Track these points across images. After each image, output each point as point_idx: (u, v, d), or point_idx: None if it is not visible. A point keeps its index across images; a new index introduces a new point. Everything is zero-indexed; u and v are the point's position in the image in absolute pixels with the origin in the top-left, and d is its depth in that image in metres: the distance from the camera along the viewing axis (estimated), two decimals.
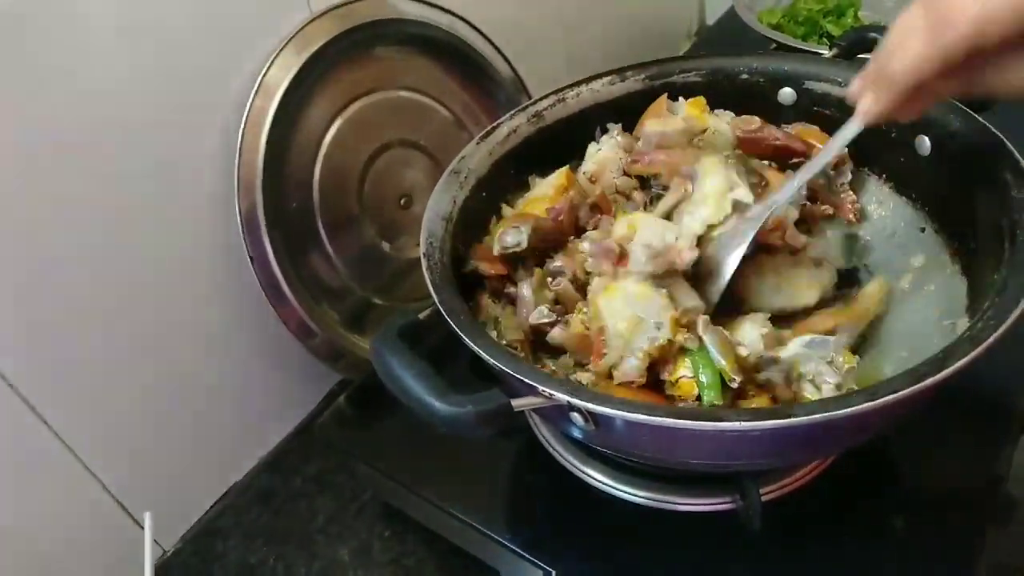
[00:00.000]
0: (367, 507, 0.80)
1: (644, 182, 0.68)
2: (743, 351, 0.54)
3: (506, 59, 0.91)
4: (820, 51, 0.79)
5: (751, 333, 0.56)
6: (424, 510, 0.69)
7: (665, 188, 0.63)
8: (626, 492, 0.63)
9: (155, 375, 0.71)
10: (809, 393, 0.53)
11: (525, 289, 0.60)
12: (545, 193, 0.70)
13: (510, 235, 0.61)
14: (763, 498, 0.58)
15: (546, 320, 0.58)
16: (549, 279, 0.61)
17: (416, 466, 0.69)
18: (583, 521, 0.63)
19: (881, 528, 0.61)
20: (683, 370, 0.55)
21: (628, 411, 0.43)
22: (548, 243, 0.63)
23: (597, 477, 0.64)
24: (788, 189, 0.59)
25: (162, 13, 0.63)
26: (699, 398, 0.54)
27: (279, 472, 0.85)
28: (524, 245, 0.61)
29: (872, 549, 0.59)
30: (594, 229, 0.64)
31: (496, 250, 0.62)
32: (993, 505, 0.63)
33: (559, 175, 0.71)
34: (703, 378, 0.52)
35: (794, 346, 0.55)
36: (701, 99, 0.70)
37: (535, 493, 0.66)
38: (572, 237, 0.65)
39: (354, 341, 0.81)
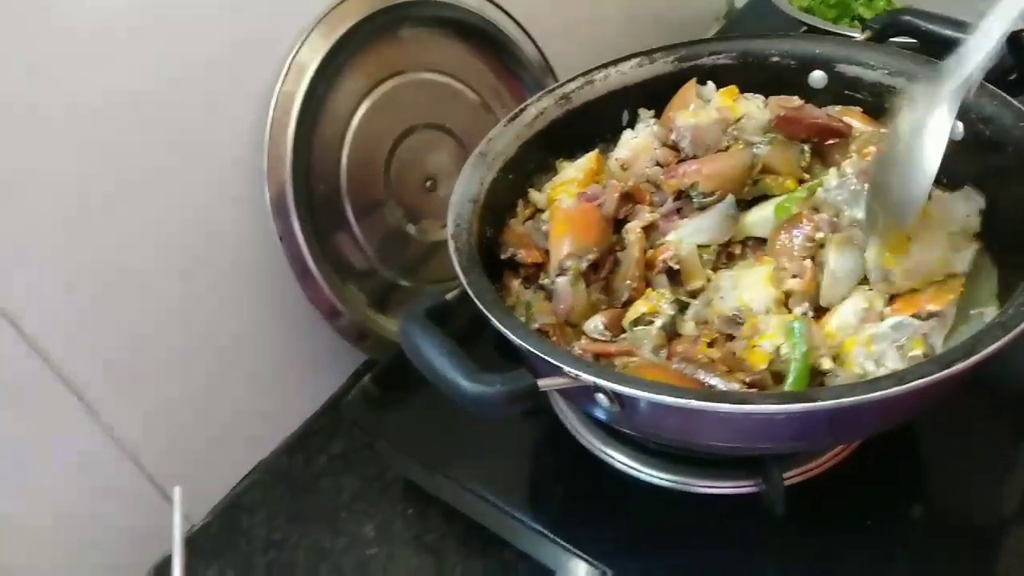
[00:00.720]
0: (391, 486, 0.80)
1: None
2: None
3: (534, 41, 0.91)
4: (852, 34, 0.78)
5: (848, 310, 0.55)
6: (447, 489, 0.70)
7: (706, 196, 0.63)
8: (648, 474, 0.63)
9: (187, 351, 0.73)
10: (871, 371, 0.52)
11: (562, 283, 0.60)
12: (574, 177, 0.70)
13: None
14: (786, 482, 0.58)
15: (601, 338, 0.58)
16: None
17: (440, 446, 0.70)
18: (604, 502, 0.63)
19: (902, 516, 0.60)
20: (766, 341, 0.54)
21: (655, 392, 0.43)
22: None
23: (619, 458, 0.64)
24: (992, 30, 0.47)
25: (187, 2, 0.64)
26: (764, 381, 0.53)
27: (305, 450, 0.85)
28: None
29: (892, 537, 0.59)
30: (627, 219, 0.64)
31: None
32: (1017, 497, 0.63)
33: (588, 159, 0.71)
34: (795, 360, 0.51)
35: (884, 325, 0.54)
36: (734, 88, 0.69)
37: (557, 474, 0.67)
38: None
39: (379, 321, 0.81)
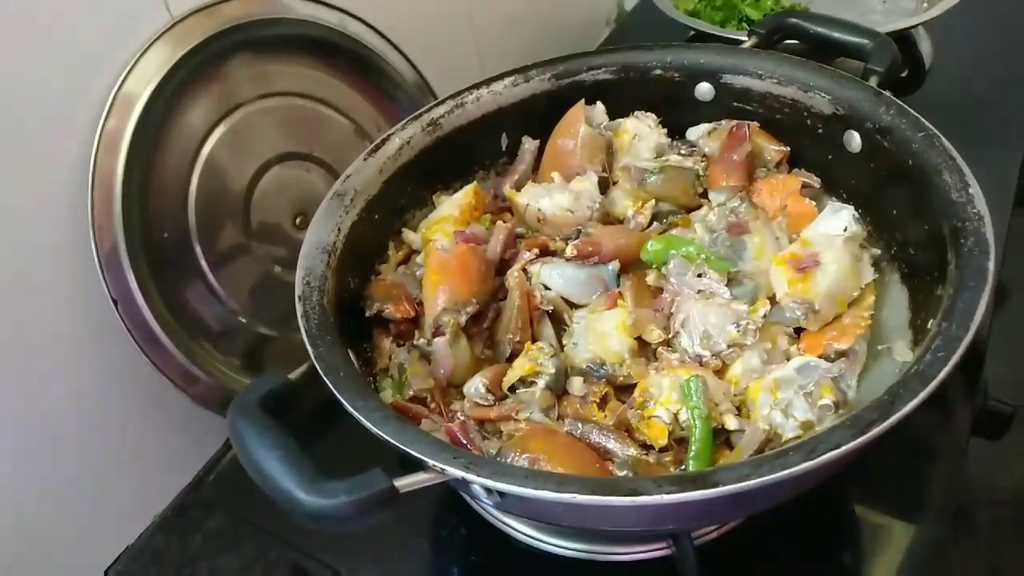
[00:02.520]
0: (274, 567, 0.72)
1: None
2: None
3: (407, 58, 0.83)
4: (740, 38, 0.73)
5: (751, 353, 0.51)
6: None
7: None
8: (553, 544, 0.56)
9: (26, 439, 0.63)
10: (779, 423, 0.48)
11: (439, 344, 0.53)
12: (450, 214, 0.63)
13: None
14: (697, 542, 0.52)
15: (482, 402, 0.51)
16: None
17: None
18: None
19: (829, 560, 0.56)
20: (661, 409, 0.48)
21: (531, 487, 0.37)
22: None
23: (521, 529, 0.57)
24: None
25: None
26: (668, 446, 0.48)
27: (176, 532, 0.76)
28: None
29: None
30: (510, 261, 0.58)
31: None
32: (945, 516, 0.59)
33: (466, 193, 0.64)
34: (695, 427, 0.46)
35: (789, 367, 0.50)
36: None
37: (454, 551, 0.60)
38: None
39: (245, 383, 0.72)
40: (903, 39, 0.93)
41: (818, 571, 0.56)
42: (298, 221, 0.77)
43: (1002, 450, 0.68)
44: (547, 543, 0.56)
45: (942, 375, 0.38)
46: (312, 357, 0.45)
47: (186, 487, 0.78)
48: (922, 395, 0.37)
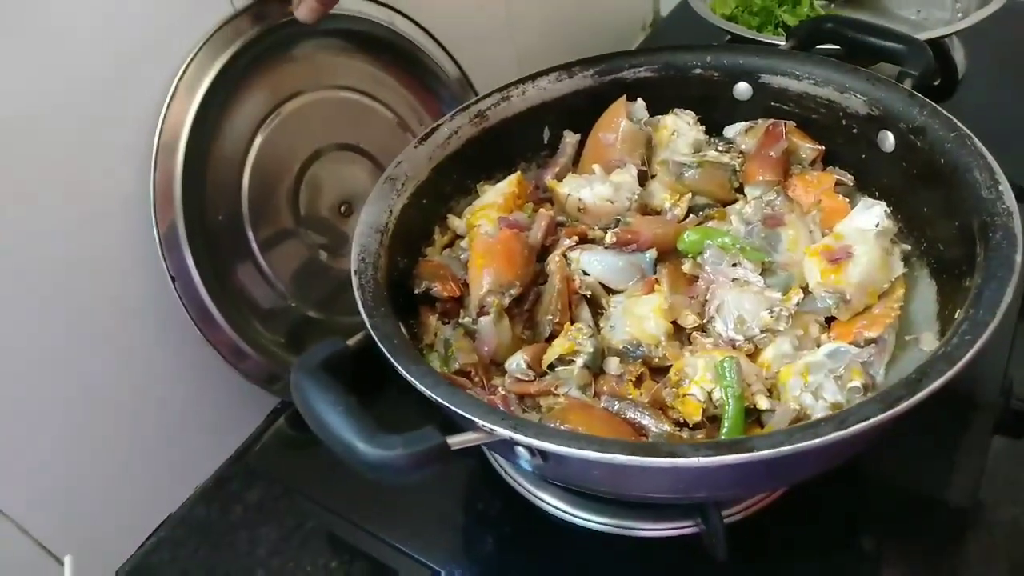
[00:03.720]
0: (311, 536, 0.74)
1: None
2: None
3: (450, 55, 0.86)
4: (776, 42, 0.76)
5: (784, 338, 0.53)
6: (370, 543, 0.64)
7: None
8: (584, 519, 0.59)
9: (77, 407, 0.65)
10: (809, 404, 0.50)
11: (484, 323, 0.56)
12: (494, 201, 0.66)
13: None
14: (727, 520, 0.54)
15: (524, 378, 0.54)
16: None
17: (361, 495, 0.65)
18: (540, 551, 0.59)
19: (849, 545, 0.57)
20: (696, 388, 0.50)
21: (576, 447, 0.39)
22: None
23: (553, 503, 0.60)
24: None
25: (63, 12, 0.57)
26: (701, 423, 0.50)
27: (217, 502, 0.79)
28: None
29: (842, 568, 0.56)
30: (551, 247, 0.61)
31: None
32: (966, 512, 0.61)
33: (509, 182, 0.67)
34: (728, 405, 0.48)
35: (819, 352, 0.52)
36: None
37: (488, 522, 0.62)
38: None
39: (291, 361, 0.74)
40: (937, 48, 0.94)
41: (840, 555, 0.57)
42: (343, 209, 0.80)
43: None
44: (578, 516, 0.58)
45: (968, 356, 0.40)
46: (368, 326, 0.48)
47: (228, 459, 0.81)
48: (948, 374, 0.39)
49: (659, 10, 1.33)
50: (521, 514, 0.61)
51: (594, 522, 0.58)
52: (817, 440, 0.37)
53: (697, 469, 0.38)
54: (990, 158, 0.52)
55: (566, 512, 0.59)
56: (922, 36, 0.86)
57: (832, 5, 1.04)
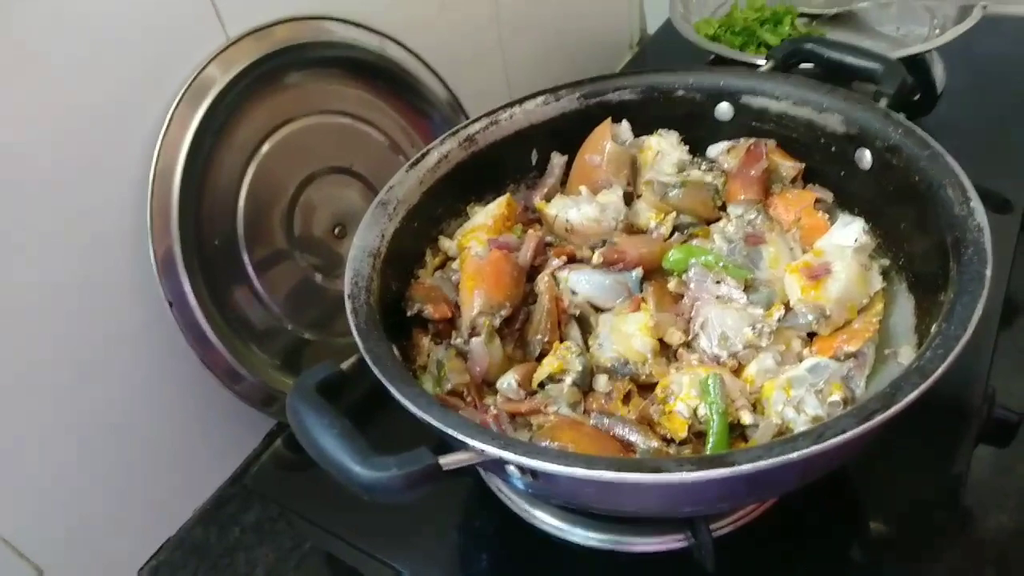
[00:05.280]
0: (308, 557, 0.76)
1: None
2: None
3: (441, 79, 0.88)
4: (758, 62, 0.77)
5: (767, 354, 0.54)
6: (367, 562, 0.65)
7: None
8: (577, 535, 0.59)
9: (74, 432, 0.66)
10: (791, 418, 0.51)
11: (476, 344, 0.57)
12: (484, 223, 0.67)
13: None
14: (715, 534, 0.55)
15: (514, 397, 0.55)
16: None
17: (357, 514, 0.65)
18: (534, 568, 0.60)
19: (837, 554, 0.58)
20: (681, 404, 0.51)
21: (563, 464, 0.40)
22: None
23: (547, 520, 0.61)
24: None
25: (55, 39, 0.59)
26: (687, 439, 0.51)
27: (215, 524, 0.80)
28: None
29: None
30: (540, 267, 0.62)
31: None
32: (952, 520, 0.62)
33: (499, 204, 0.68)
34: (713, 421, 0.50)
35: (801, 367, 0.53)
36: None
37: (484, 540, 0.63)
38: None
39: (287, 382, 0.76)
40: (917, 63, 0.96)
41: (828, 565, 0.58)
42: (336, 231, 0.82)
43: (1009, 457, 0.70)
44: (571, 533, 0.59)
45: (940, 370, 0.41)
46: (362, 350, 0.49)
47: (225, 481, 0.82)
48: (922, 388, 0.40)
49: (646, 28, 1.36)
50: (516, 532, 0.61)
51: (587, 538, 0.59)
52: (795, 454, 0.38)
53: (681, 484, 0.39)
54: (962, 175, 0.53)
55: (559, 529, 0.60)
56: (902, 52, 0.89)
57: (814, 23, 1.06)
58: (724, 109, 0.69)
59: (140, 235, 0.66)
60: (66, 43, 0.59)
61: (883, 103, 0.64)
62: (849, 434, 0.39)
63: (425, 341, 0.60)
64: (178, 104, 0.67)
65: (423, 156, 0.67)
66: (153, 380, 0.72)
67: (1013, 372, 0.74)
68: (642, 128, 0.71)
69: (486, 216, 0.67)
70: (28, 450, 0.63)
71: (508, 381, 0.55)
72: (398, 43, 0.83)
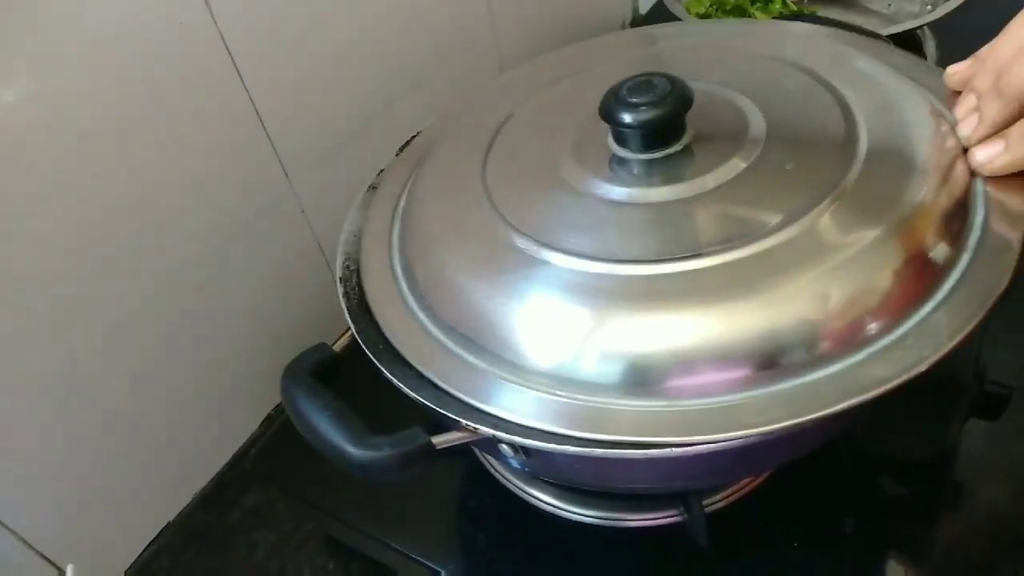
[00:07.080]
0: (309, 538, 0.76)
1: None
2: None
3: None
4: None
5: None
6: (367, 543, 0.66)
7: None
8: (572, 512, 0.60)
9: (74, 416, 0.66)
10: None
11: None
12: None
13: None
14: (709, 509, 0.56)
15: None
16: None
17: (357, 496, 0.67)
18: (531, 545, 0.61)
19: (831, 529, 0.59)
20: None
21: (554, 442, 0.41)
22: None
23: (543, 498, 0.62)
24: None
25: None
26: None
27: (215, 507, 0.80)
28: None
29: (825, 552, 0.58)
30: None
31: None
32: (945, 493, 0.63)
33: None
34: None
35: None
36: None
37: (481, 519, 0.64)
38: None
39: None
40: (908, 40, 0.96)
41: (821, 538, 0.59)
42: None
43: (999, 430, 0.71)
44: (567, 510, 0.60)
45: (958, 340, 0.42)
46: (354, 332, 0.49)
47: (224, 465, 0.83)
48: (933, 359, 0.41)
49: (638, 8, 1.35)
50: (512, 510, 0.62)
51: (582, 515, 0.60)
52: (779, 425, 0.39)
53: (669, 459, 0.40)
54: None
55: (555, 506, 0.61)
56: (894, 29, 0.89)
57: (805, 1, 1.06)
58: None
59: None
60: None
61: None
62: (853, 401, 0.39)
63: None
64: None
65: (412, 139, 0.67)
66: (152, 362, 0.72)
67: (1002, 345, 0.74)
68: None
69: None
70: (28, 436, 0.64)
71: None
72: None
